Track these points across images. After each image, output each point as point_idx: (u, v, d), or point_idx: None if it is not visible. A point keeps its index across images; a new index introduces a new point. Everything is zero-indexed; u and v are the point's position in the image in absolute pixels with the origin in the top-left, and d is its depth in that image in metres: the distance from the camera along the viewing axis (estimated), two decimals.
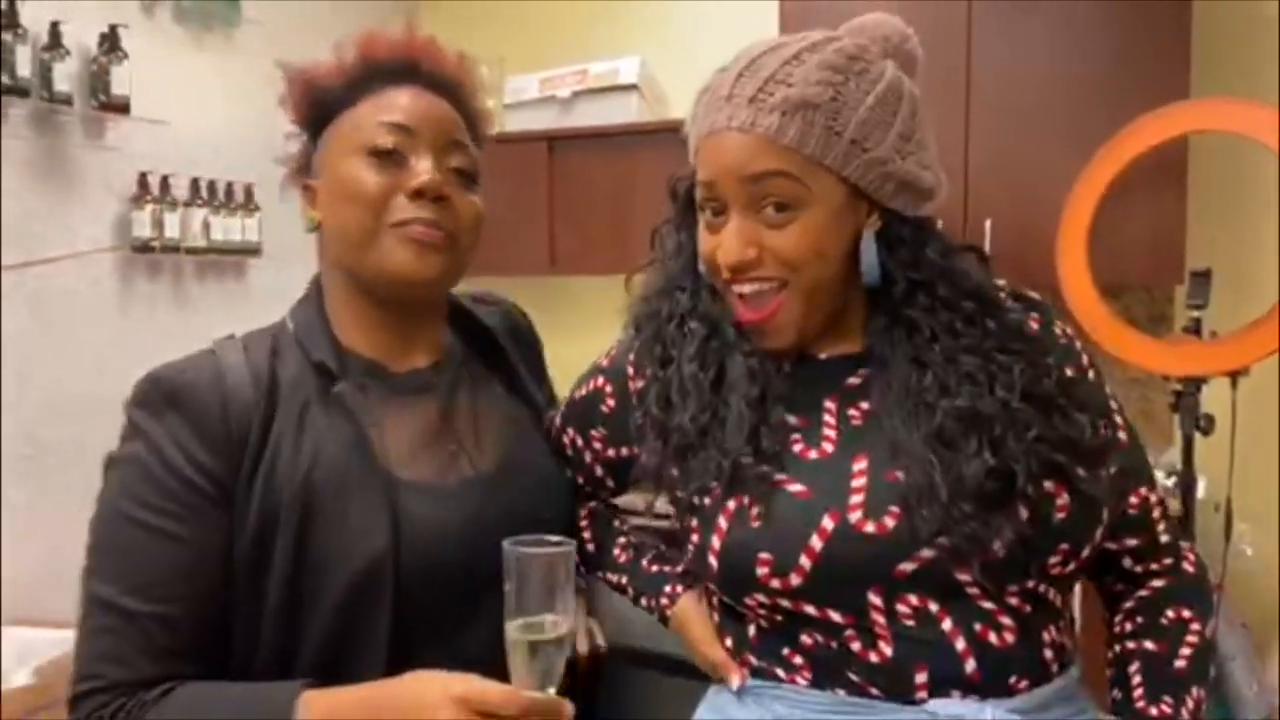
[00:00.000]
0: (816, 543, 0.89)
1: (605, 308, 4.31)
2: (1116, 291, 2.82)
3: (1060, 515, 0.91)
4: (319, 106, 1.08)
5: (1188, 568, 1.05)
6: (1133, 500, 1.02)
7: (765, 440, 0.94)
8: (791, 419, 0.97)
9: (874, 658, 0.90)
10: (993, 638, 0.90)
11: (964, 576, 0.89)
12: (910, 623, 0.89)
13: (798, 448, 0.95)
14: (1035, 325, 1.00)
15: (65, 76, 2.65)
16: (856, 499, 0.91)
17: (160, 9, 3.04)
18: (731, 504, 0.93)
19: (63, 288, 2.78)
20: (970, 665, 0.89)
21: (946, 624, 0.89)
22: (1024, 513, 0.89)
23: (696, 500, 0.97)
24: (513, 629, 0.84)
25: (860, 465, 0.93)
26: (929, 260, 0.96)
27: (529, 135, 3.46)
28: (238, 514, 0.93)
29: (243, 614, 0.94)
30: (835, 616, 0.91)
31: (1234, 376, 2.23)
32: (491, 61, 3.66)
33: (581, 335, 3.78)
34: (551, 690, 0.84)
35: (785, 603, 0.91)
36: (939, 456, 0.89)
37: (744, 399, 0.96)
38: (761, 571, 0.90)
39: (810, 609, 0.91)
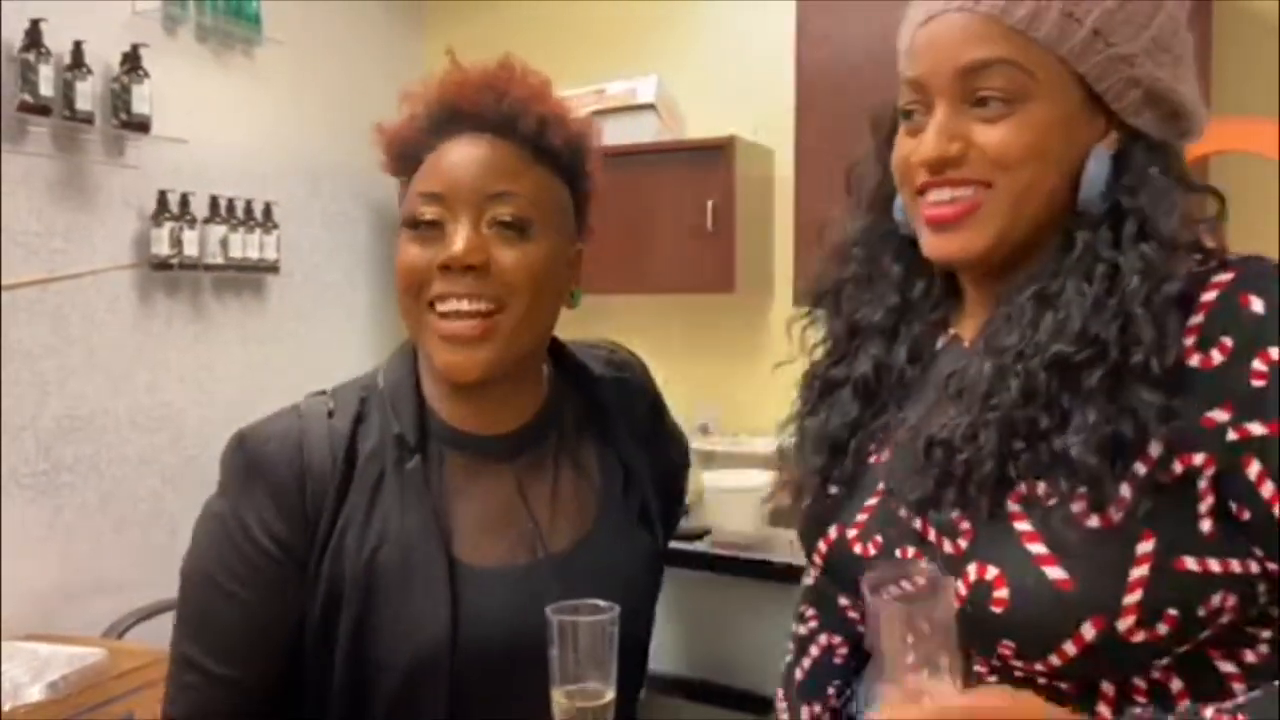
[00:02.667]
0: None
1: (622, 326, 4.32)
2: None
3: (995, 607, 0.78)
4: (402, 161, 1.03)
5: None
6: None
7: None
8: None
9: None
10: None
11: None
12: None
13: None
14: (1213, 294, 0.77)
15: (87, 95, 2.67)
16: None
17: (182, 28, 3.07)
18: None
19: (82, 304, 2.80)
20: None
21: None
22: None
23: None
24: (558, 695, 0.84)
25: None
26: (1157, 194, 0.79)
27: None
28: (309, 587, 0.94)
29: (314, 685, 0.95)
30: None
31: None
32: None
33: None
34: None
35: None
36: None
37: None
38: None
39: None
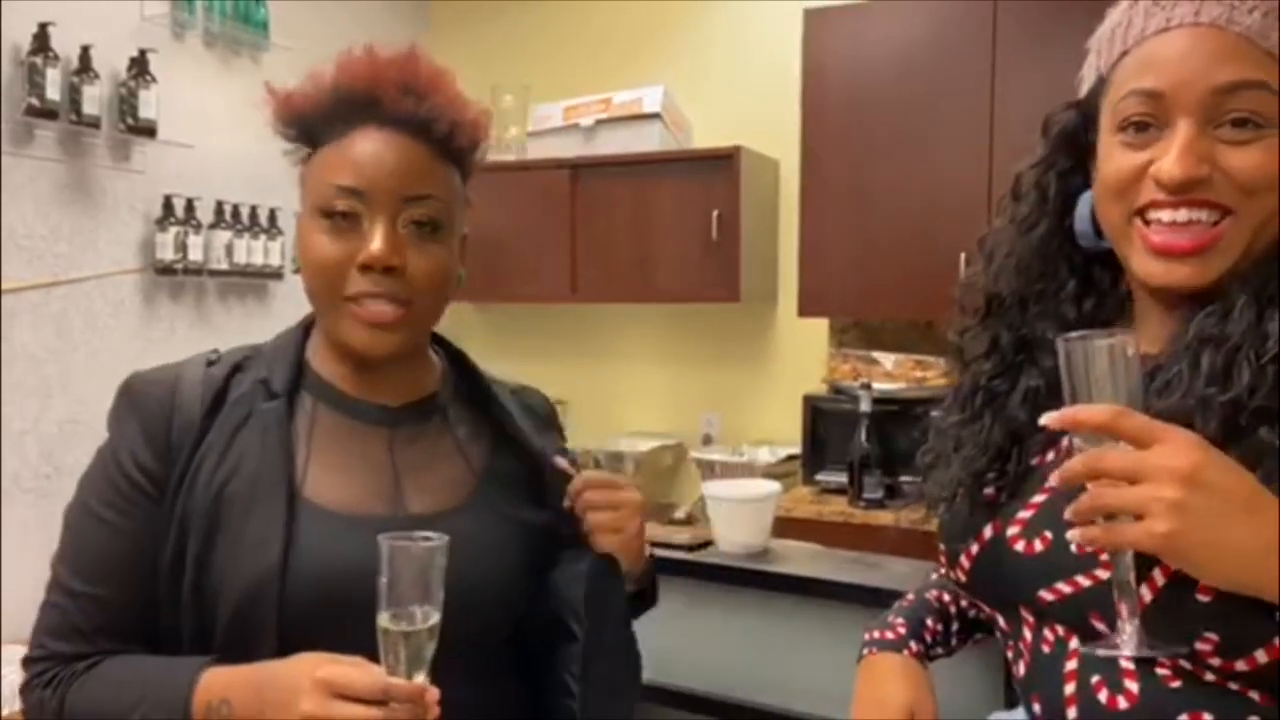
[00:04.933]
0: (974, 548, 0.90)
1: (627, 335, 4.30)
2: None
3: (1202, 596, 0.74)
4: (303, 134, 1.07)
5: None
6: None
7: None
8: None
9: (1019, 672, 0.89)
10: (1103, 696, 0.80)
11: (1098, 624, 0.80)
12: (1046, 649, 0.84)
13: None
14: None
15: (94, 99, 2.68)
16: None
17: (190, 34, 3.08)
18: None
19: (86, 309, 2.80)
20: (1071, 714, 0.82)
21: (1071, 663, 0.82)
22: (1159, 577, 0.76)
23: None
24: (384, 619, 0.84)
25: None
26: None
27: (552, 163, 3.47)
28: (166, 516, 0.99)
29: (167, 610, 0.99)
30: (1000, 622, 0.91)
31: None
32: (516, 89, 3.68)
33: (602, 362, 3.79)
34: (420, 678, 0.85)
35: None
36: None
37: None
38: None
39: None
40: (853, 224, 3.06)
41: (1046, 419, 0.75)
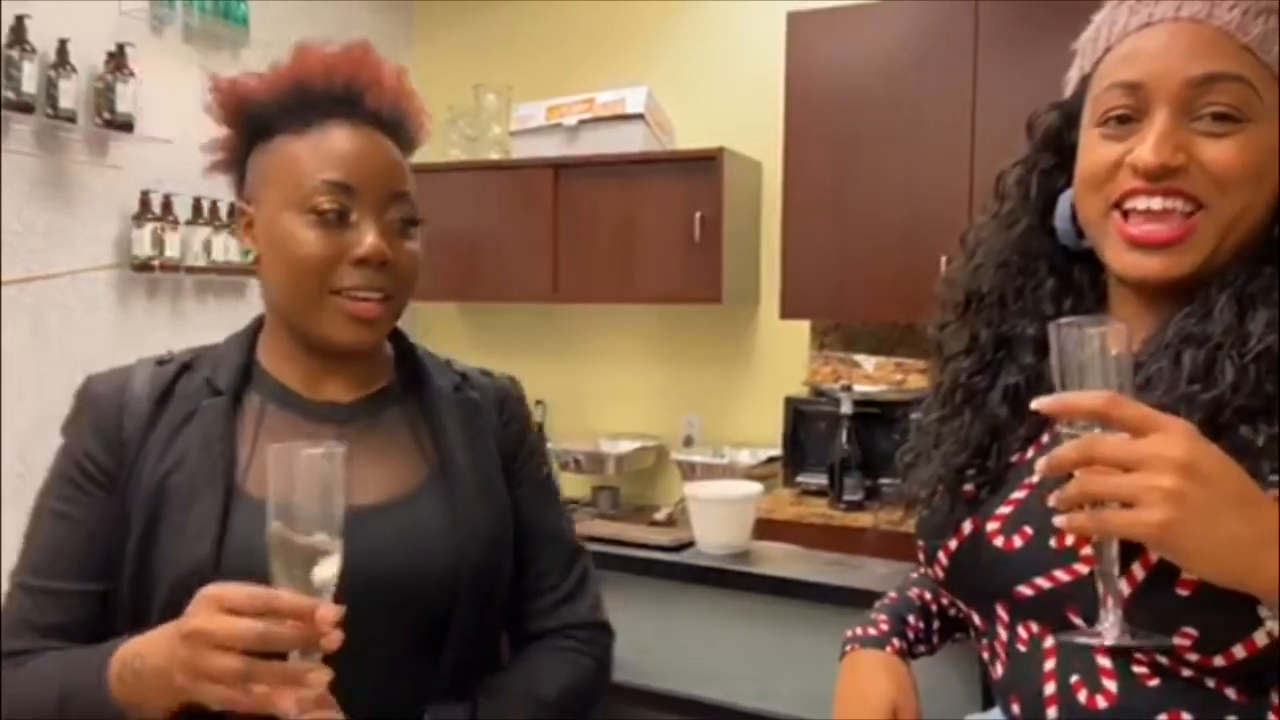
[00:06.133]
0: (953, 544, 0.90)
1: (608, 336, 4.29)
2: None
3: (1181, 590, 0.74)
4: (250, 120, 1.06)
5: None
6: None
7: None
8: None
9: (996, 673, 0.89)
10: (1082, 695, 0.80)
11: (1075, 618, 0.80)
12: (1022, 648, 0.85)
13: None
14: None
15: (70, 93, 2.65)
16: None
17: (169, 28, 3.05)
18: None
19: (61, 305, 2.76)
20: (1051, 714, 0.82)
21: (1049, 663, 0.83)
22: (1139, 571, 0.76)
23: None
24: (273, 529, 0.81)
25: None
26: None
27: (535, 162, 3.45)
28: (114, 508, 1.01)
29: (114, 602, 1.00)
30: (975, 620, 0.91)
31: None
32: (499, 88, 3.67)
33: (584, 363, 3.78)
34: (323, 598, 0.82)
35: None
36: None
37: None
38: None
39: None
40: (835, 226, 3.07)
41: (1038, 404, 0.74)
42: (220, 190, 3.16)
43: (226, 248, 3.11)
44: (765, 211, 3.45)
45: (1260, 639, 0.72)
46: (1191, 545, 0.68)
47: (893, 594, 1.10)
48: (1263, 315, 0.77)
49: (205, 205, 3.05)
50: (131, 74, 2.78)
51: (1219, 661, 0.74)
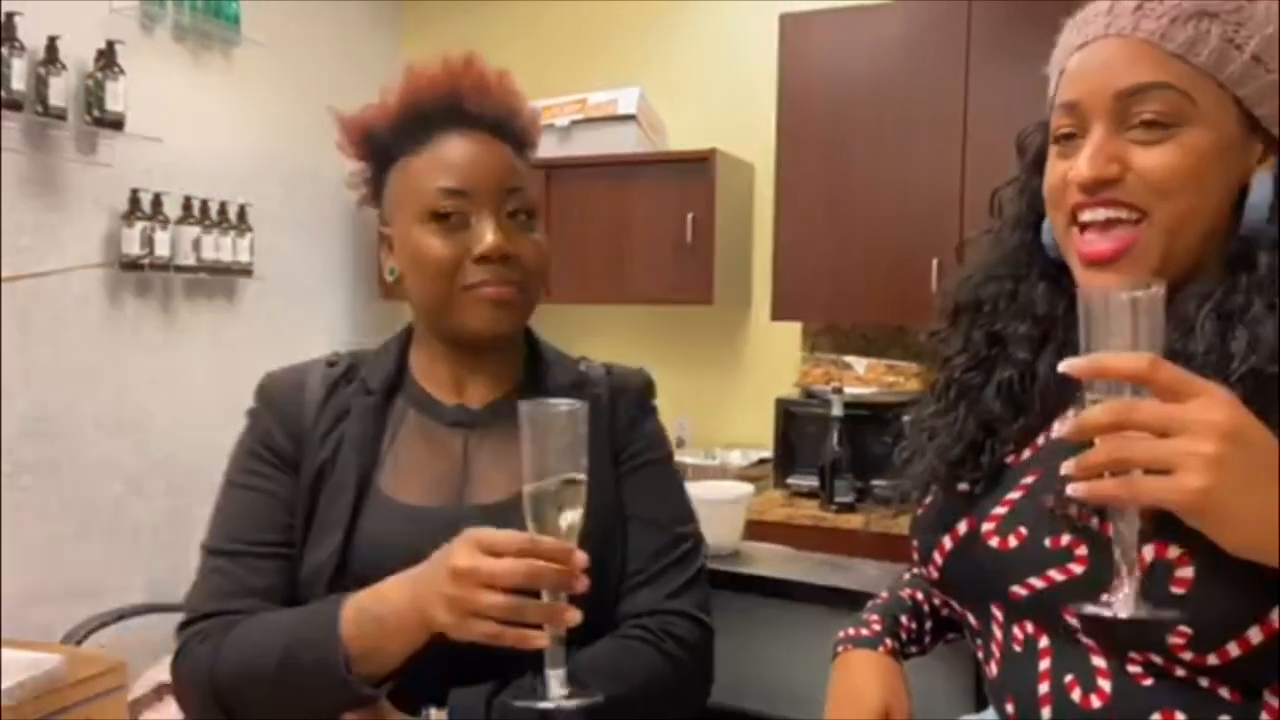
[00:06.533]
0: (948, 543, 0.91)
1: (600, 337, 4.31)
2: None
3: (1176, 589, 0.74)
4: (377, 150, 1.14)
5: None
6: None
7: None
8: None
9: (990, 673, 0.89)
10: (1076, 695, 0.80)
11: (1070, 618, 0.80)
12: (1017, 648, 0.85)
13: None
14: None
15: (60, 91, 2.63)
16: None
17: (160, 27, 3.04)
18: None
19: (49, 303, 2.75)
20: (1046, 714, 0.82)
21: (1044, 663, 0.83)
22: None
23: None
24: (529, 484, 0.88)
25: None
26: None
27: None
28: (293, 493, 1.10)
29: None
30: (970, 620, 0.91)
31: None
32: None
33: None
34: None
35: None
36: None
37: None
38: None
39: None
40: (826, 228, 3.07)
41: (1068, 364, 0.72)
42: (211, 189, 3.16)
43: (217, 246, 3.09)
44: (757, 213, 3.45)
45: (1254, 636, 0.72)
46: (1227, 513, 0.67)
47: (885, 594, 1.10)
48: (1243, 335, 0.77)
49: (195, 204, 3.04)
50: (121, 72, 2.77)
51: (1213, 660, 0.74)
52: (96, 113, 2.75)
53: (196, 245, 3.04)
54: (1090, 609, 0.74)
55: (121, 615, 2.52)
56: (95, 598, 2.65)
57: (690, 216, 3.20)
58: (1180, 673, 0.76)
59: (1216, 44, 0.80)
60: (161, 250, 2.93)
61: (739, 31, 3.46)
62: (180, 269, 3.02)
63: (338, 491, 1.07)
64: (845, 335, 3.31)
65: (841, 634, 1.05)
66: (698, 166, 3.22)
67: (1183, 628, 0.73)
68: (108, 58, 2.75)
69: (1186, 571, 0.73)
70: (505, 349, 1.16)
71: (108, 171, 2.85)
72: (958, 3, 2.88)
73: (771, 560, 1.68)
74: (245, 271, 3.20)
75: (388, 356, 1.17)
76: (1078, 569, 0.79)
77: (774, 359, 3.43)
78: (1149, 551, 0.74)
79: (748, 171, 3.44)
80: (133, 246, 2.87)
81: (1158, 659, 0.76)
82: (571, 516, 0.88)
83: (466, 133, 1.10)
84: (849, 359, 3.16)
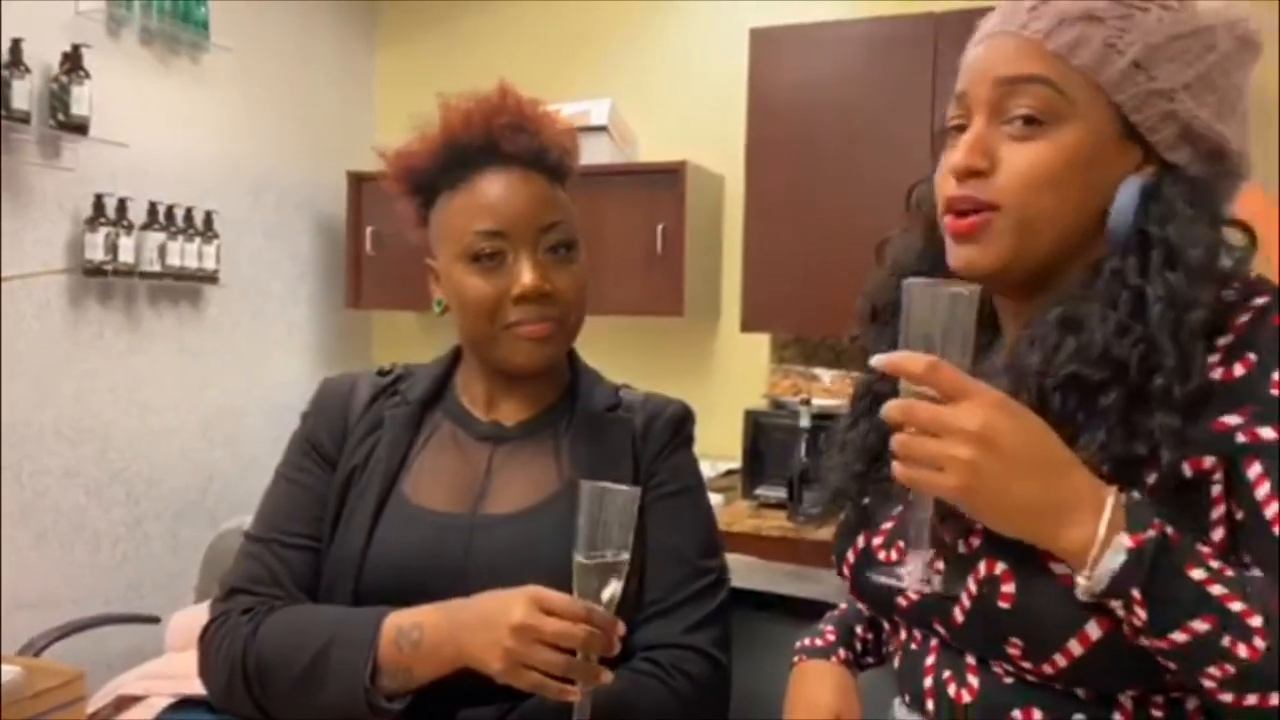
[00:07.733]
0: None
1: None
2: None
3: (1002, 604, 0.79)
4: (421, 187, 1.17)
5: None
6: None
7: None
8: None
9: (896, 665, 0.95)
10: (952, 690, 0.86)
11: (939, 628, 0.86)
12: (914, 647, 0.91)
13: None
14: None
15: (24, 94, 2.60)
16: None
17: (126, 30, 3.01)
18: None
19: (10, 309, 2.70)
20: (929, 705, 0.88)
21: (929, 659, 0.89)
22: (971, 585, 0.81)
23: None
24: (580, 555, 0.93)
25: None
26: (1184, 225, 0.79)
27: None
28: (328, 487, 1.16)
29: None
30: (884, 623, 0.97)
31: None
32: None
33: None
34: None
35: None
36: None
37: None
38: None
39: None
40: (796, 240, 3.09)
41: (876, 359, 0.78)
42: (177, 195, 3.12)
43: (183, 253, 3.06)
44: (727, 225, 3.47)
45: (1075, 649, 0.76)
46: (987, 505, 0.74)
47: (843, 605, 1.12)
48: (1070, 344, 0.80)
49: (161, 210, 3.01)
50: (87, 76, 2.74)
51: (1047, 669, 0.78)
52: (61, 116, 2.71)
53: (161, 251, 3.00)
54: (882, 579, 0.84)
55: (81, 626, 2.48)
56: (54, 608, 2.61)
57: (660, 228, 3.21)
58: (1031, 679, 0.81)
59: (1098, 47, 0.82)
60: (126, 256, 2.89)
61: (710, 44, 3.48)
62: (145, 275, 2.98)
63: (364, 493, 1.12)
64: (814, 347, 3.33)
65: (798, 644, 1.08)
66: (668, 178, 3.23)
67: (1015, 639, 0.78)
68: (73, 61, 2.72)
69: (1010, 587, 0.78)
70: (546, 374, 1.19)
71: (71, 176, 2.82)
72: (924, 19, 2.92)
73: (739, 571, 1.68)
74: (211, 278, 3.17)
75: (432, 369, 1.23)
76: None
77: (743, 370, 3.44)
78: (982, 567, 0.80)
79: (718, 183, 3.45)
80: (96, 252, 2.83)
81: (1009, 665, 0.81)
82: (614, 588, 0.94)
83: (502, 170, 1.13)
84: (817, 371, 3.18)
